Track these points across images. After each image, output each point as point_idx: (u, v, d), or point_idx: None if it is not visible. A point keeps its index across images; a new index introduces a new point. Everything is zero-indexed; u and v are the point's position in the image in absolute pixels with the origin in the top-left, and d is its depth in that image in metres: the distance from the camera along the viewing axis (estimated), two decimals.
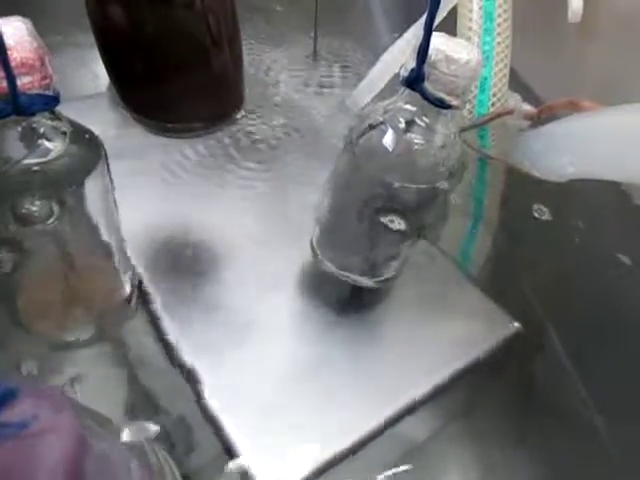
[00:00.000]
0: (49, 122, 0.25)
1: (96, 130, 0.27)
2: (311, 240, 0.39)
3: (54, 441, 0.16)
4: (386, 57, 0.47)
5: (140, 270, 0.37)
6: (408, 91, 0.28)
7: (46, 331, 0.33)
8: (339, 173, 0.34)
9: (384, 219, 0.33)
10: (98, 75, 0.48)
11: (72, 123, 0.26)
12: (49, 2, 0.52)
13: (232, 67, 0.44)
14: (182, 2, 0.37)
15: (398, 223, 0.33)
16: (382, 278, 0.38)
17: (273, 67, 0.54)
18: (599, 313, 0.40)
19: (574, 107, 0.45)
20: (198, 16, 0.38)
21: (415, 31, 0.46)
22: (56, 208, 0.26)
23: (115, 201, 0.30)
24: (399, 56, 0.46)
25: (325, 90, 0.53)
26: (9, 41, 0.21)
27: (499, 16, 0.48)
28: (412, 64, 0.27)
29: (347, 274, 0.37)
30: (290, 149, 0.47)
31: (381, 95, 0.48)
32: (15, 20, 0.22)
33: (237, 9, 0.42)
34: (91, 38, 0.41)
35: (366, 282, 0.38)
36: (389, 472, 0.31)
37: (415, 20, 0.45)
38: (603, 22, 0.49)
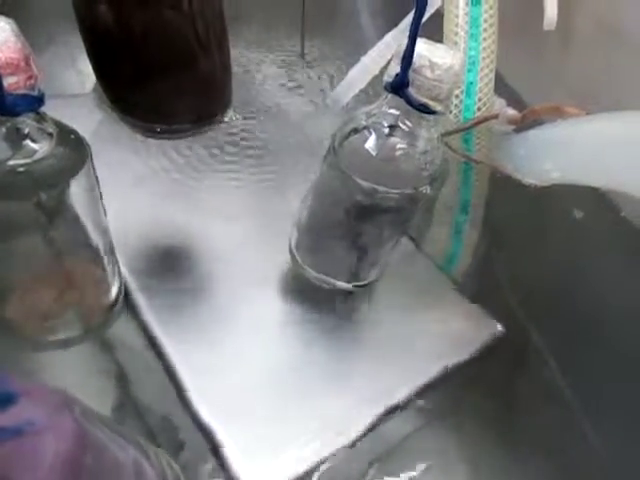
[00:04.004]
0: (34, 123, 0.25)
1: (82, 130, 0.27)
2: (289, 244, 0.39)
3: (53, 440, 0.16)
4: (365, 59, 0.47)
5: (126, 271, 0.37)
6: (391, 96, 0.28)
7: (33, 333, 0.33)
8: (322, 177, 0.34)
9: (366, 224, 0.33)
10: (85, 75, 0.48)
11: (58, 124, 0.26)
12: (35, 1, 0.52)
13: (220, 69, 0.44)
14: (169, 4, 0.37)
15: (380, 228, 0.33)
16: (363, 283, 0.38)
17: (260, 69, 0.54)
18: (582, 315, 0.41)
19: (557, 112, 0.46)
20: (186, 18, 0.38)
21: (395, 34, 0.46)
22: (42, 209, 0.26)
23: (102, 202, 0.30)
24: (379, 58, 0.47)
25: (312, 92, 0.53)
26: None
27: (485, 21, 0.49)
28: (396, 69, 0.27)
29: (327, 278, 0.38)
30: (275, 152, 0.47)
31: (367, 100, 0.49)
32: None
33: (224, 12, 0.42)
34: (78, 38, 0.41)
35: (346, 286, 0.38)
36: (372, 470, 0.31)
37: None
38: (587, 28, 0.49)
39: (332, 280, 0.37)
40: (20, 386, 0.16)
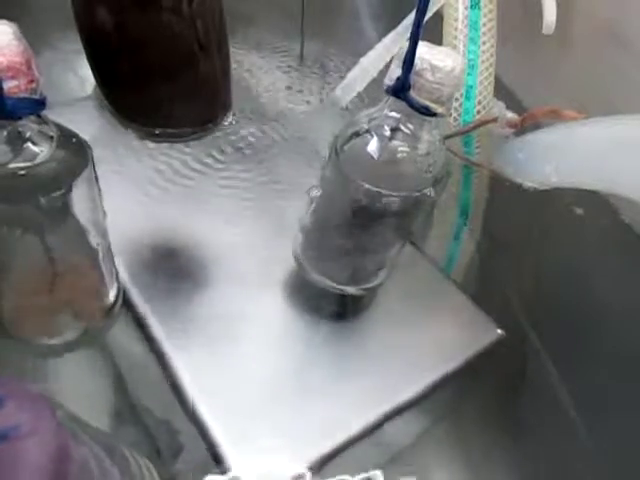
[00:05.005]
0: (36, 126, 0.25)
1: (82, 134, 0.27)
2: (294, 248, 0.39)
3: (35, 446, 0.16)
4: (364, 61, 0.48)
5: (125, 274, 0.37)
6: (393, 99, 0.28)
7: (31, 335, 0.33)
8: (325, 181, 0.34)
9: (370, 227, 0.33)
10: (85, 79, 0.48)
11: (59, 127, 0.26)
12: (34, 5, 0.52)
13: (220, 72, 0.44)
14: (170, 7, 0.37)
15: (384, 231, 0.33)
16: (368, 286, 0.38)
17: (260, 72, 0.54)
18: (582, 318, 0.41)
19: (556, 115, 0.46)
20: (186, 21, 0.38)
21: (394, 36, 0.46)
22: (42, 212, 0.26)
23: (102, 205, 0.30)
24: (377, 60, 0.47)
25: (312, 95, 0.53)
26: None
27: (484, 25, 0.49)
28: (397, 72, 0.27)
29: (332, 283, 0.37)
30: (276, 155, 0.47)
31: (368, 103, 0.49)
32: (1, 24, 0.22)
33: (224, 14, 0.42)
34: (78, 41, 0.41)
35: (351, 290, 0.38)
36: (372, 473, 0.31)
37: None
38: (585, 32, 0.50)
39: (337, 285, 0.37)
40: (7, 390, 0.16)
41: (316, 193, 0.35)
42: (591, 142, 0.43)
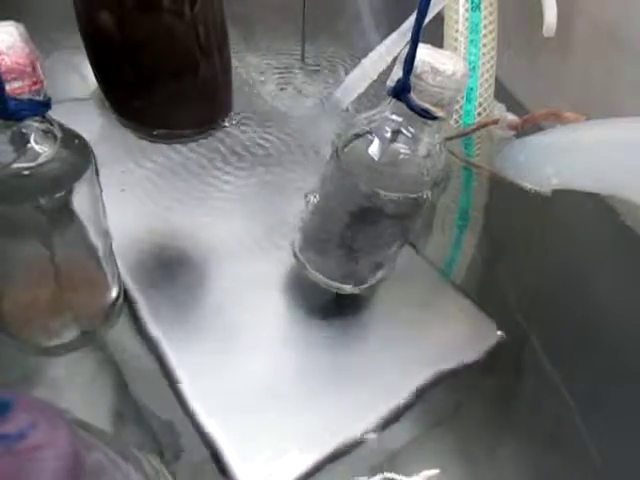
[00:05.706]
0: (40, 126, 0.25)
1: (83, 134, 0.27)
2: (292, 246, 0.39)
3: (50, 457, 0.16)
4: (365, 63, 0.48)
5: (126, 274, 0.37)
6: (394, 101, 0.28)
7: (32, 336, 0.33)
8: (325, 181, 0.34)
9: (369, 227, 0.33)
10: (86, 79, 0.48)
11: (63, 128, 0.26)
12: (37, 6, 0.52)
13: (221, 74, 0.45)
14: (171, 10, 0.37)
15: (383, 231, 0.34)
16: (366, 285, 0.38)
17: (261, 74, 0.54)
18: (581, 320, 0.41)
19: (556, 118, 0.46)
20: (187, 24, 0.38)
21: (395, 38, 0.46)
22: (44, 212, 0.26)
23: (104, 206, 0.30)
24: (378, 62, 0.47)
25: (312, 96, 0.53)
26: (0, 46, 0.21)
27: (484, 27, 0.49)
28: (399, 74, 0.27)
29: (331, 282, 0.37)
30: (276, 156, 0.47)
31: (369, 105, 0.49)
32: (8, 25, 0.22)
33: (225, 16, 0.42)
34: (80, 42, 0.41)
35: (350, 289, 0.38)
36: (374, 477, 0.31)
37: None
38: (586, 34, 0.50)
39: (336, 283, 0.37)
40: (17, 400, 0.16)
41: (313, 200, 0.35)
42: (592, 144, 0.43)
